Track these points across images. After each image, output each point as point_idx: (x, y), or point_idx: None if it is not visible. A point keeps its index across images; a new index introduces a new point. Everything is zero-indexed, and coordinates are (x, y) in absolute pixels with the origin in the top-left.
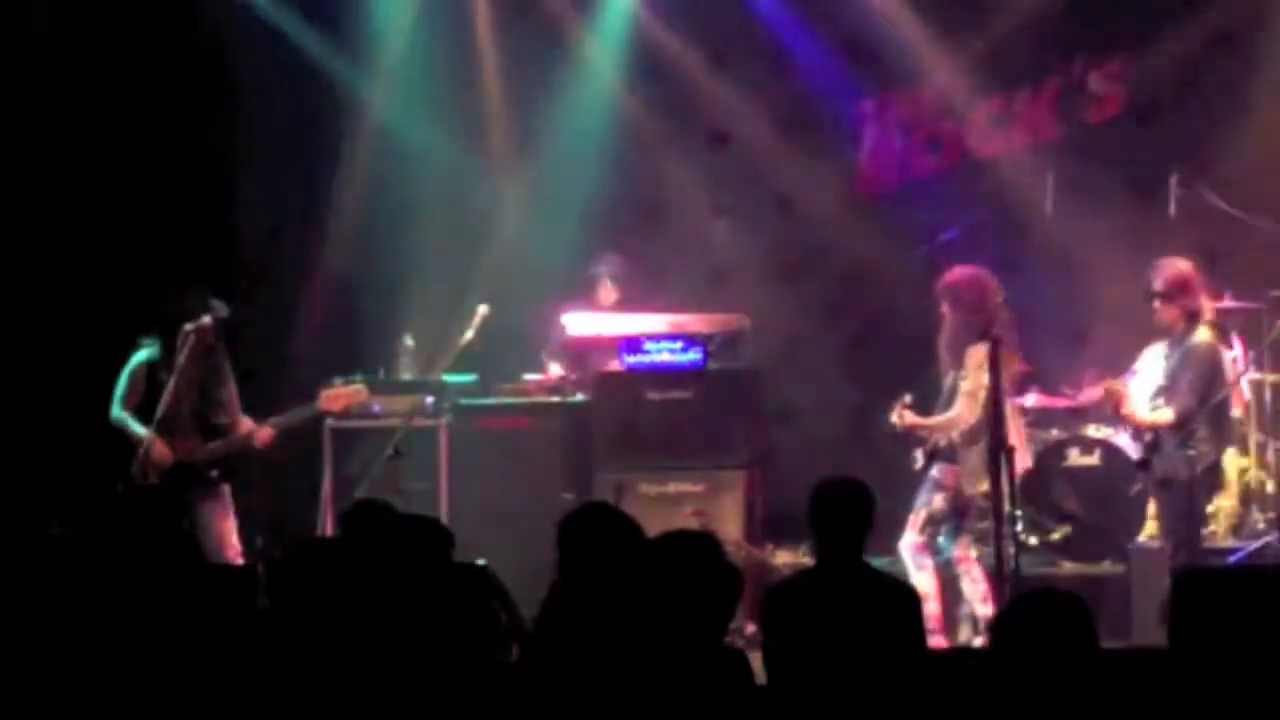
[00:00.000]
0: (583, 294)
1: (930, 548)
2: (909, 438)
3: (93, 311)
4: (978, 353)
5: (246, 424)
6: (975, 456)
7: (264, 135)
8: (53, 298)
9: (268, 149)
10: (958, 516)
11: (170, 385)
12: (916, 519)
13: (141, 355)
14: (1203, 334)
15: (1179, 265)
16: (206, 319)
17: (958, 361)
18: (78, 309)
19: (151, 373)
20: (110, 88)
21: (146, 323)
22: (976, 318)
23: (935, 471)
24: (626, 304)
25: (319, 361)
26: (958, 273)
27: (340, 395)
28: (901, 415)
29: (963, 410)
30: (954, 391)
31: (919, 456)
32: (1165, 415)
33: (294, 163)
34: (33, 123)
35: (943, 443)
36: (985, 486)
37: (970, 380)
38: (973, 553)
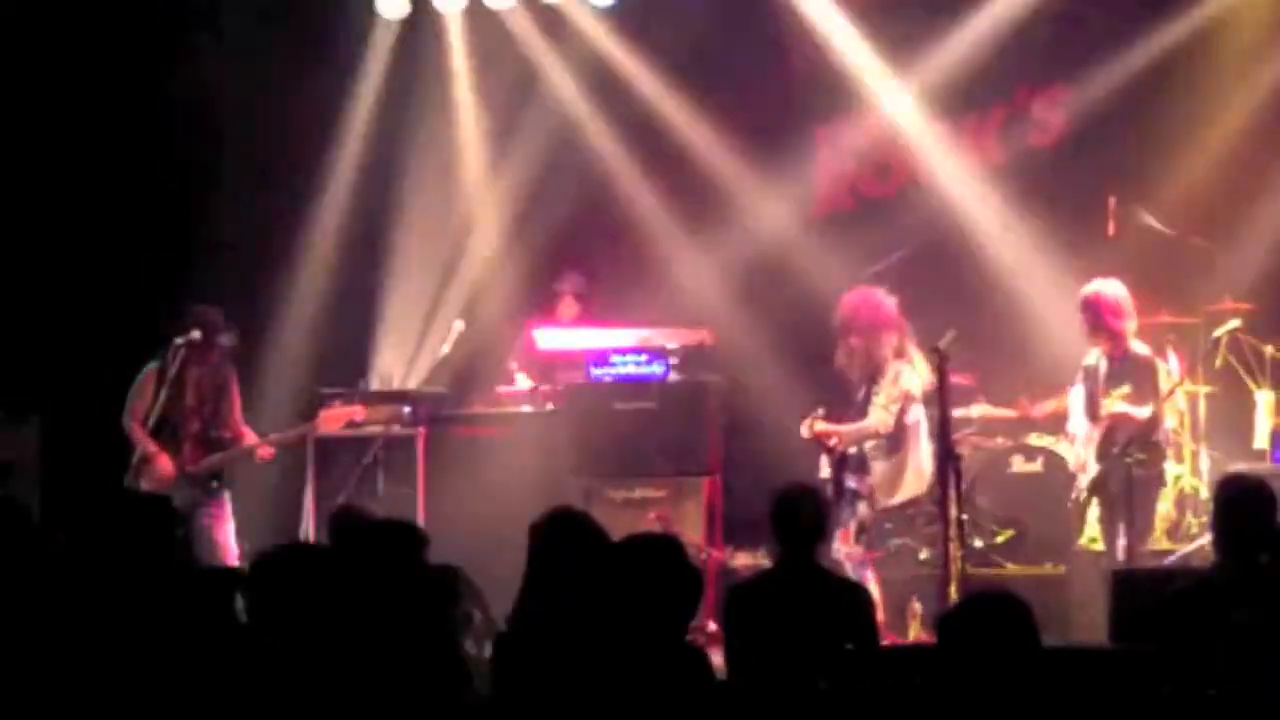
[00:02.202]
0: (545, 309)
1: (865, 556)
2: (820, 446)
3: (96, 323)
4: (894, 369)
5: (250, 438)
6: (889, 468)
7: (250, 158)
8: (56, 311)
9: (255, 172)
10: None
11: (162, 397)
12: (847, 532)
13: (149, 367)
14: (1142, 346)
15: (1099, 287)
16: (196, 334)
17: (870, 379)
18: (80, 322)
19: (160, 384)
20: (104, 111)
21: (144, 334)
22: (883, 334)
23: (852, 483)
24: (586, 319)
25: (303, 373)
26: (849, 300)
27: (338, 416)
28: (811, 426)
29: (875, 423)
30: (865, 404)
31: (825, 464)
32: (1143, 412)
33: (279, 184)
34: (27, 147)
35: (853, 451)
36: (897, 499)
37: (885, 395)
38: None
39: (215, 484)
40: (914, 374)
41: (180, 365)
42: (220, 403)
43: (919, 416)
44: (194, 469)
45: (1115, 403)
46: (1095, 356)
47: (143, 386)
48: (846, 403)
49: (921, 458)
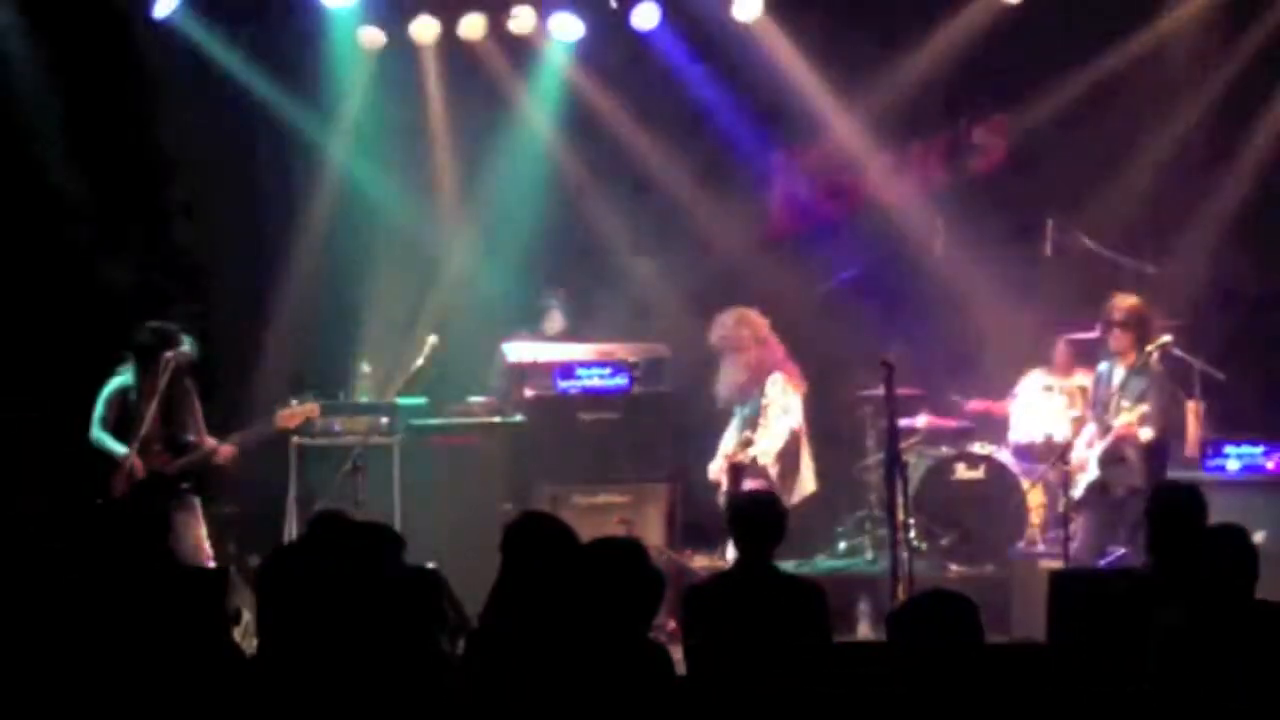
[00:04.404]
0: (531, 323)
1: None
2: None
3: (93, 336)
4: (779, 382)
5: (210, 442)
6: (784, 471)
7: (238, 180)
8: (55, 324)
9: (243, 192)
10: None
11: (153, 407)
12: None
13: (116, 380)
14: (1156, 364)
15: (1134, 299)
16: (185, 347)
17: (753, 393)
18: (78, 334)
19: (124, 396)
20: (104, 130)
21: (121, 350)
22: (764, 350)
23: (749, 487)
24: (571, 333)
25: (286, 385)
26: (730, 318)
27: (295, 414)
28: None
29: (785, 435)
30: (754, 418)
31: (722, 477)
32: (1148, 432)
33: (265, 205)
34: (29, 162)
35: (746, 461)
36: (795, 498)
37: (777, 406)
38: None
39: (185, 486)
40: (787, 383)
41: (165, 377)
42: (182, 409)
43: (799, 417)
44: (163, 472)
45: (1129, 418)
46: (1107, 365)
47: (110, 399)
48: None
49: (808, 456)
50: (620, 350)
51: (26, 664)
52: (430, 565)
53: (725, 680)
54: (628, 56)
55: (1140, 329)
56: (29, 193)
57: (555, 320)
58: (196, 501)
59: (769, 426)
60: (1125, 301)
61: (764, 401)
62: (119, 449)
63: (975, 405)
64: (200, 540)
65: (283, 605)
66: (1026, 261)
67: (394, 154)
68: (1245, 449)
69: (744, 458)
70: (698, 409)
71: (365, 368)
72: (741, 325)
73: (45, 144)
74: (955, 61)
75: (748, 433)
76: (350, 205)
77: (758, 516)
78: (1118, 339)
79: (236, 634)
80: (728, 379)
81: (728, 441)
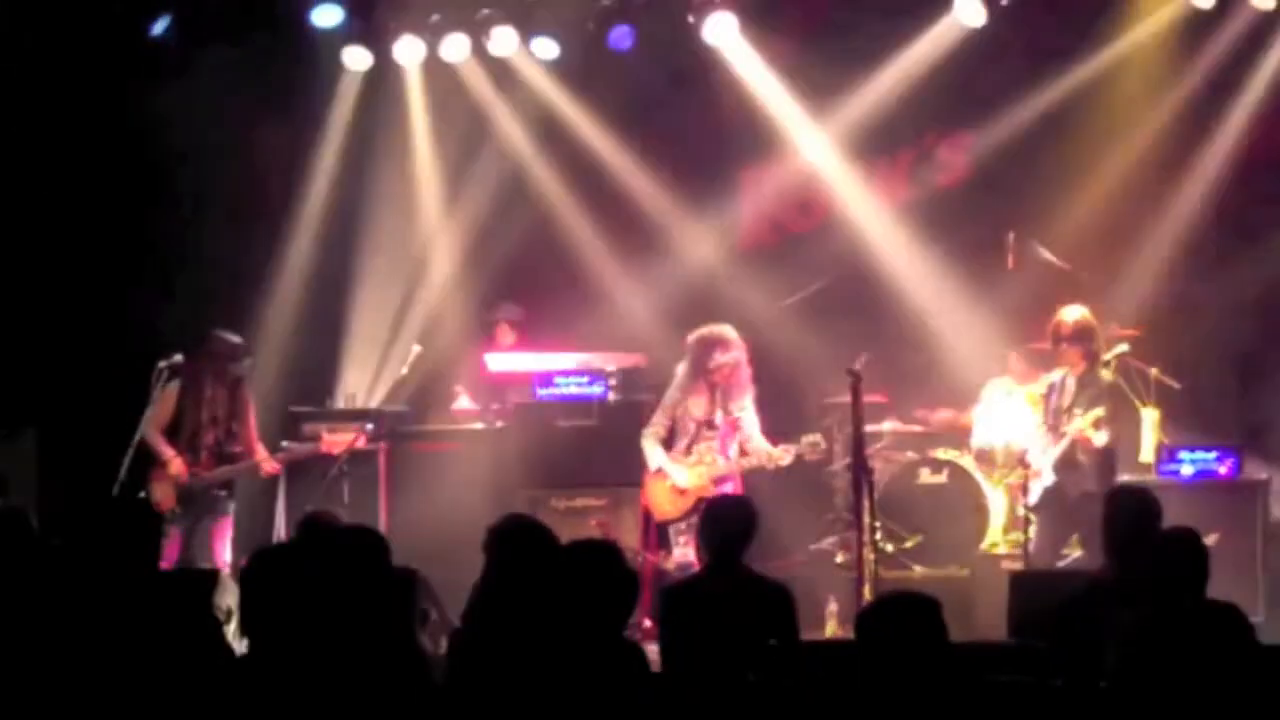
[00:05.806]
0: (485, 337)
1: None
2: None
3: (89, 345)
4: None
5: (260, 454)
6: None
7: (231, 196)
8: (52, 333)
9: (235, 207)
10: None
11: (150, 412)
12: None
13: (174, 383)
14: (1107, 374)
15: (1080, 312)
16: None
17: (734, 400)
18: (74, 343)
19: (180, 399)
20: (104, 142)
21: (132, 354)
22: (744, 365)
23: (728, 489)
24: (521, 345)
25: (276, 393)
26: (723, 333)
27: (340, 440)
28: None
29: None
30: (734, 423)
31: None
32: (1102, 437)
33: (256, 220)
34: (26, 173)
35: (721, 465)
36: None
37: (749, 411)
38: None
39: (224, 494)
40: None
41: (191, 381)
42: (233, 421)
43: None
44: (205, 477)
45: (1084, 424)
46: (1060, 374)
47: (164, 400)
48: (783, 413)
49: None
50: (597, 360)
51: (20, 662)
52: (413, 568)
53: (698, 677)
54: (604, 76)
55: (1087, 341)
56: (25, 205)
57: (505, 333)
58: (232, 509)
59: (759, 442)
60: (1071, 315)
61: (736, 405)
62: (163, 449)
63: (940, 420)
64: (221, 550)
65: (264, 605)
66: (988, 273)
67: (379, 169)
68: (1199, 454)
69: (772, 463)
70: None
71: (351, 375)
72: (718, 342)
73: (40, 158)
74: (920, 81)
75: (776, 449)
76: (337, 219)
77: (731, 519)
78: (1065, 352)
79: (229, 633)
80: (713, 394)
81: (658, 456)
